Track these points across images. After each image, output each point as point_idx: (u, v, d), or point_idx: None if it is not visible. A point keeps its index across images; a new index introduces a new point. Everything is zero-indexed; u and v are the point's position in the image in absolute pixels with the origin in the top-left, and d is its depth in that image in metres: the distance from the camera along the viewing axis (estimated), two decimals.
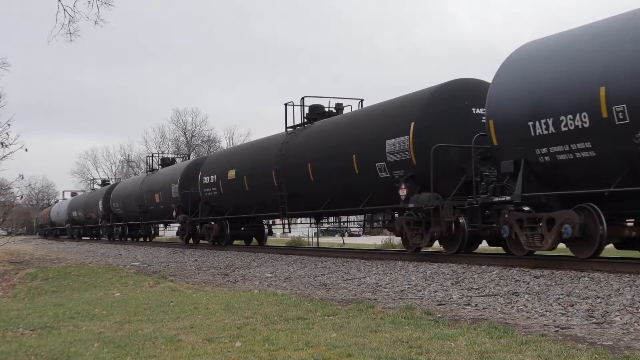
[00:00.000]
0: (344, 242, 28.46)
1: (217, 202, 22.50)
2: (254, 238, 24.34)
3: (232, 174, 20.94)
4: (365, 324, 6.39)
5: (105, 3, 15.62)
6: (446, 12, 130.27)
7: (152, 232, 36.97)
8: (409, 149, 13.01)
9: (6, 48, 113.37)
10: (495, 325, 6.05)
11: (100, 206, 39.32)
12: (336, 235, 46.89)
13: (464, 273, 10.42)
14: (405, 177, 13.15)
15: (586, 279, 8.76)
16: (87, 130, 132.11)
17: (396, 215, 14.28)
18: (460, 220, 12.22)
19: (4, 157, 19.48)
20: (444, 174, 12.28)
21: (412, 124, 12.93)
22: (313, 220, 21.33)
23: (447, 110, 12.75)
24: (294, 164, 17.20)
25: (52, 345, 6.01)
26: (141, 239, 36.57)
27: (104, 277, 13.66)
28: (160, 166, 32.47)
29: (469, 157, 11.88)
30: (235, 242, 23.66)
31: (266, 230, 24.27)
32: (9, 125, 18.90)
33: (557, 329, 5.99)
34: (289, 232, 27.47)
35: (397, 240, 26.18)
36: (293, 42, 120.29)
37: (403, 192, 13.07)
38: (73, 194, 62.21)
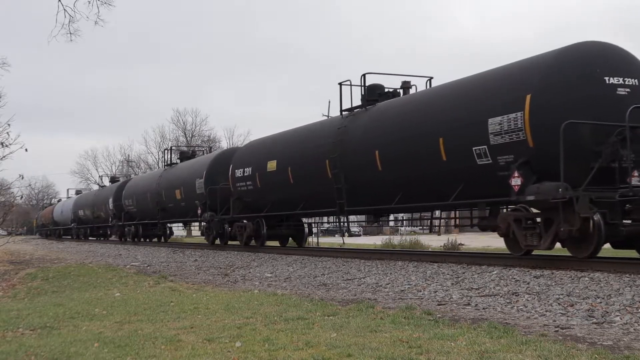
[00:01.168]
0: (344, 242, 28.46)
1: (251, 197, 19.99)
2: (290, 239, 21.82)
3: (272, 165, 18.41)
4: (365, 324, 6.39)
5: (105, 3, 15.64)
6: (446, 12, 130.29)
7: (168, 231, 34.43)
8: (523, 128, 10.60)
9: (6, 48, 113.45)
10: (495, 325, 6.05)
11: (111, 204, 36.47)
12: (336, 235, 46.90)
13: (464, 273, 10.42)
14: (518, 164, 10.73)
15: (586, 279, 8.76)
16: (87, 130, 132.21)
17: (502, 210, 12.03)
18: (595, 218, 9.93)
19: (4, 157, 19.46)
20: (573, 158, 10.00)
21: (528, 97, 10.57)
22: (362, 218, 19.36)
23: (573, 80, 10.39)
24: (356, 152, 14.73)
25: (52, 345, 6.01)
26: (155, 240, 34.31)
27: (104, 277, 13.66)
28: (179, 160, 29.70)
29: (605, 138, 9.97)
30: (264, 243, 20.51)
31: (306, 230, 21.51)
32: (9, 125, 18.87)
33: (557, 329, 5.99)
34: (347, 232, 23.06)
35: (396, 240, 26.01)
36: (293, 42, 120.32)
37: (516, 181, 10.70)
38: (78, 192, 60.02)
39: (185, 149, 34.66)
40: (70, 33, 16.09)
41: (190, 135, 70.23)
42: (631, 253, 11.34)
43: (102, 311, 8.32)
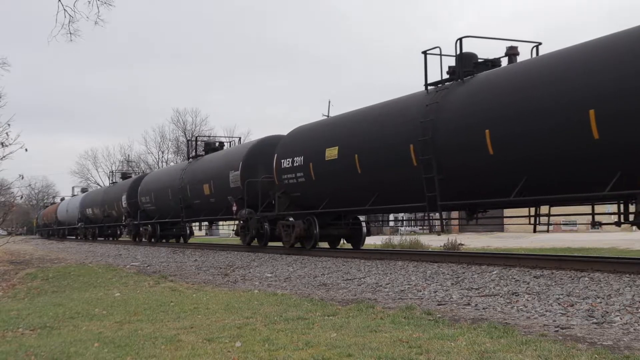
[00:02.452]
0: (344, 242, 28.38)
1: (302, 191, 17.21)
2: (342, 240, 19.22)
3: (332, 152, 15.62)
4: (365, 324, 6.39)
5: (105, 3, 15.66)
6: (447, 12, 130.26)
7: (188, 231, 31.67)
8: None
9: (6, 48, 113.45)
10: (495, 325, 6.05)
11: (124, 202, 33.56)
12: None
13: (464, 273, 10.42)
14: None
15: (586, 279, 8.77)
16: (87, 130, 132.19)
17: None
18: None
19: (4, 157, 19.43)
20: None
21: None
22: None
23: None
24: (454, 132, 12.07)
25: (52, 345, 6.01)
26: (173, 240, 31.69)
27: (104, 277, 13.66)
28: (203, 152, 26.27)
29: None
30: (316, 244, 17.83)
31: (364, 229, 18.36)
32: (9, 125, 18.85)
33: (557, 329, 5.99)
34: (442, 229, 19.61)
35: (396, 240, 25.98)
36: (293, 42, 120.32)
37: None
38: (84, 189, 57.68)
39: (207, 139, 30.52)
40: (70, 33, 16.13)
41: (190, 135, 70.25)
42: (632, 253, 11.34)
43: (102, 311, 8.32)
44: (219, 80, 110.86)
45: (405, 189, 13.51)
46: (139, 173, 69.46)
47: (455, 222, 34.51)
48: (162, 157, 73.82)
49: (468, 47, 13.60)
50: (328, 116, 18.77)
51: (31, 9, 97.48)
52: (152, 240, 30.62)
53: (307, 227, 17.28)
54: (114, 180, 42.16)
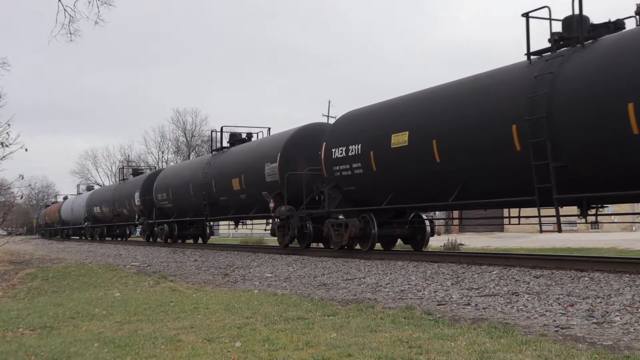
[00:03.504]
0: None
1: (359, 185, 15.01)
2: (398, 240, 17.14)
3: (400, 138, 13.38)
4: (365, 324, 6.39)
5: (105, 3, 15.68)
6: (448, 13, 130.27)
7: (208, 230, 29.38)
8: None
9: (6, 48, 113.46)
10: (495, 325, 6.05)
11: (137, 199, 31.24)
12: None
13: (464, 273, 10.42)
14: None
15: (586, 279, 8.77)
16: (88, 130, 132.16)
17: None
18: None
19: (4, 157, 19.45)
20: None
21: None
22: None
23: None
24: (578, 108, 9.95)
25: (52, 345, 6.00)
26: (190, 240, 29.63)
27: (104, 277, 13.66)
28: (229, 144, 23.81)
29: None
30: (374, 246, 15.57)
31: (428, 229, 15.85)
32: (9, 125, 18.88)
33: (557, 329, 5.99)
34: (559, 229, 12.98)
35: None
36: (293, 42, 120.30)
37: None
38: (89, 187, 55.70)
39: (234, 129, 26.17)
40: (71, 33, 16.14)
41: (190, 135, 70.32)
42: (632, 253, 11.35)
43: (102, 311, 8.32)
44: (219, 80, 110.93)
45: (503, 179, 11.42)
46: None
47: (456, 222, 34.38)
48: (162, 157, 73.90)
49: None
50: (328, 116, 18.79)
51: (31, 9, 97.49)
52: (169, 240, 28.24)
53: (364, 225, 15.07)
54: (123, 177, 38.98)
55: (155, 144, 74.01)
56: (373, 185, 14.55)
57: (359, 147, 14.76)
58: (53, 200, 72.49)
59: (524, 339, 5.36)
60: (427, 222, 15.75)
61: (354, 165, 14.93)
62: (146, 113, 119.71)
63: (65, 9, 15.93)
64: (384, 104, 15.09)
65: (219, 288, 10.85)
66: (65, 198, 59.43)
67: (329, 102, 21.13)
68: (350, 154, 15.07)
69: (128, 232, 40.34)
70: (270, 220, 19.43)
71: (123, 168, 42.30)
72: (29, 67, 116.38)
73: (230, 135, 23.79)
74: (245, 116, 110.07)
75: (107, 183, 51.97)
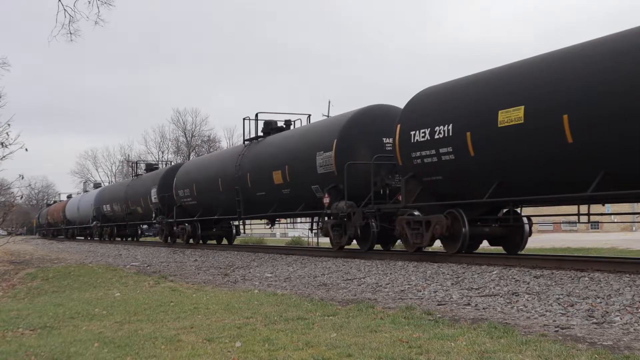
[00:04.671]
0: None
1: (448, 173, 12.34)
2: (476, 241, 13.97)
3: (512, 115, 10.91)
4: (365, 324, 6.39)
5: (105, 3, 15.69)
6: (449, 14, 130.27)
7: (235, 230, 26.23)
8: None
9: (6, 48, 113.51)
10: (495, 325, 6.05)
11: (154, 196, 28.57)
12: None
13: (464, 273, 10.42)
14: None
15: (586, 279, 8.76)
16: (88, 130, 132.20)
17: None
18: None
19: (4, 157, 19.44)
20: None
21: None
22: None
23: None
24: None
25: (52, 345, 6.01)
26: (213, 241, 26.78)
27: (104, 277, 13.66)
28: (263, 133, 20.81)
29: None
30: (463, 248, 12.74)
31: (527, 228, 12.93)
32: (9, 125, 18.87)
33: (557, 329, 5.99)
34: None
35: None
36: (294, 42, 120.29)
37: None
38: (97, 185, 53.35)
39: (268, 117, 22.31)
40: (71, 33, 16.15)
41: (190, 135, 70.35)
42: (633, 253, 11.35)
43: (102, 311, 8.32)
44: (219, 80, 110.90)
45: None
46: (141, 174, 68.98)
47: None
48: (162, 157, 73.82)
49: None
50: (328, 116, 18.45)
51: (31, 9, 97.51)
52: (191, 241, 25.56)
53: (452, 222, 12.56)
54: (136, 173, 36.09)
55: (155, 144, 73.99)
56: (469, 174, 12.00)
57: (449, 128, 12.12)
58: (55, 199, 71.22)
59: (524, 339, 5.37)
60: (525, 220, 12.89)
61: (442, 150, 12.31)
62: (146, 113, 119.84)
63: (65, 9, 15.95)
64: (482, 76, 12.36)
65: (219, 288, 10.85)
66: (70, 196, 57.62)
67: (329, 102, 20.97)
68: (436, 136, 12.40)
69: (139, 232, 38.35)
70: (319, 219, 17.22)
71: (137, 163, 39.63)
72: (29, 67, 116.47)
73: (264, 123, 20.93)
74: (246, 116, 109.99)
75: (107, 183, 50.97)
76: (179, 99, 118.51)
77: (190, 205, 25.15)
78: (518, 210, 13.02)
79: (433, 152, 12.56)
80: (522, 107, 10.78)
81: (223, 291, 10.22)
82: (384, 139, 15.06)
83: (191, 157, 68.10)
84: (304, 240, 34.48)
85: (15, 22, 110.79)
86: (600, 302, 7.15)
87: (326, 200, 15.78)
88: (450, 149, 12.14)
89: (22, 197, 35.57)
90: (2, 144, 18.35)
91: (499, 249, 14.09)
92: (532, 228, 13.29)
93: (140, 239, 39.10)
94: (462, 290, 8.87)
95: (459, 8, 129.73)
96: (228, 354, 5.30)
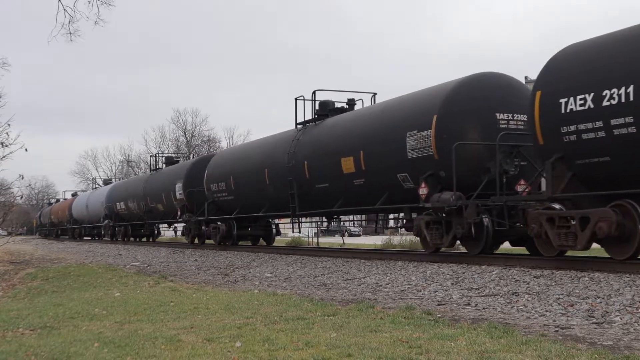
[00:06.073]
0: (344, 242, 28.16)
1: (618, 153, 9.44)
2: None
3: None
4: (365, 324, 6.39)
5: (105, 3, 15.67)
6: (450, 15, 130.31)
7: (275, 230, 23.94)
8: None
9: (6, 48, 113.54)
10: (495, 325, 6.05)
11: (179, 191, 25.67)
12: (336, 235, 46.77)
13: (464, 273, 10.42)
14: None
15: (586, 279, 8.76)
16: (88, 130, 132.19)
17: None
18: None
19: (4, 157, 19.42)
20: None
21: None
22: None
23: None
24: None
25: (52, 345, 6.01)
26: (247, 242, 23.78)
27: (104, 277, 13.66)
28: (317, 116, 18.03)
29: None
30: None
31: None
32: (9, 125, 18.85)
33: (557, 329, 5.99)
34: None
35: (396, 240, 25.95)
36: (294, 42, 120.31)
37: None
38: (107, 181, 49.44)
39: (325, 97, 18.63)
40: (70, 33, 16.13)
41: (191, 135, 70.32)
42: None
43: (102, 311, 8.32)
44: (219, 80, 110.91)
45: None
46: (138, 173, 69.08)
47: None
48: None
49: None
50: (328, 116, 18.28)
51: (31, 9, 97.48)
52: (225, 242, 22.53)
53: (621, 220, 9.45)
54: (155, 167, 32.50)
55: (155, 144, 73.86)
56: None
57: (629, 90, 9.09)
58: (57, 198, 69.84)
59: (524, 339, 5.37)
60: None
61: (615, 122, 9.29)
62: (146, 113, 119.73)
63: (65, 9, 15.93)
64: None
65: (219, 288, 10.85)
66: (75, 194, 54.93)
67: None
68: (605, 103, 9.43)
69: (156, 231, 35.63)
70: (403, 215, 14.59)
71: (156, 155, 34.14)
72: (29, 67, 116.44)
73: (320, 104, 18.01)
74: (246, 116, 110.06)
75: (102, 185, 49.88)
76: (179, 99, 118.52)
77: (225, 201, 21.96)
78: None
79: (599, 124, 9.51)
80: None
81: (223, 291, 10.22)
82: (498, 114, 12.26)
83: (191, 158, 68.04)
84: (304, 240, 34.43)
85: (15, 22, 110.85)
86: (600, 302, 7.15)
87: (423, 191, 12.79)
88: (630, 119, 9.10)
89: (22, 197, 35.44)
90: (2, 144, 18.34)
91: (499, 249, 14.01)
92: None
93: (157, 239, 36.46)
94: (462, 290, 8.87)
95: (461, 8, 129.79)
96: (228, 354, 5.30)
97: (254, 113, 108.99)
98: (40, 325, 7.37)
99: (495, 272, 10.14)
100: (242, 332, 6.28)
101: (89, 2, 15.73)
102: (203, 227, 23.81)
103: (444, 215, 12.54)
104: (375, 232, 17.75)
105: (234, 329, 6.48)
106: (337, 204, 15.91)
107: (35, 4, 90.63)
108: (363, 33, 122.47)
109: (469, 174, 12.01)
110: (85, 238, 45.86)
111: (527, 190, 11.82)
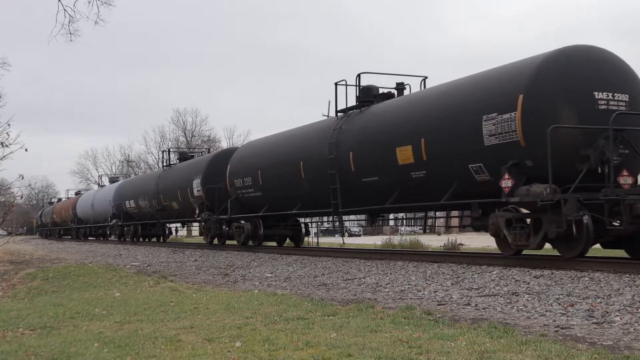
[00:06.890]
0: (344, 242, 28.10)
1: None
2: None
3: None
4: (365, 324, 6.39)
5: (105, 3, 15.65)
6: (450, 16, 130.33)
7: (305, 231, 21.90)
8: None
9: (6, 48, 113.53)
10: (495, 325, 6.05)
11: (197, 188, 23.60)
12: (336, 235, 46.71)
13: (464, 273, 10.42)
14: None
15: (586, 279, 8.77)
16: (88, 130, 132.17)
17: None
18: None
19: (4, 157, 19.41)
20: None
21: None
22: None
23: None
24: None
25: (52, 345, 6.01)
26: (272, 243, 22.19)
27: (104, 277, 13.66)
28: (360, 102, 16.10)
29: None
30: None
31: None
32: (9, 125, 18.83)
33: (557, 329, 5.99)
34: None
35: (396, 240, 25.96)
36: (294, 41, 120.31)
37: None
38: (113, 179, 47.13)
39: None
40: (70, 33, 16.12)
41: (191, 135, 70.27)
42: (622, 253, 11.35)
43: (102, 311, 8.32)
44: (219, 80, 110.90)
45: None
46: (138, 173, 68.97)
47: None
48: (162, 156, 73.66)
49: None
50: (328, 116, 18.23)
51: (31, 9, 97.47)
52: (249, 242, 20.72)
53: None
54: (168, 163, 30.33)
55: (155, 144, 73.75)
56: None
57: None
58: (60, 197, 68.71)
59: (524, 339, 5.37)
60: None
61: None
62: (146, 113, 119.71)
63: (65, 9, 15.91)
64: None
65: (219, 288, 10.85)
66: (79, 193, 53.29)
67: (329, 102, 20.84)
68: None
69: (167, 231, 33.98)
70: (470, 212, 12.58)
71: (169, 150, 32.15)
72: (29, 67, 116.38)
73: (362, 90, 16.15)
74: (246, 116, 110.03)
75: (107, 183, 49.26)
76: (179, 99, 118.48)
77: (251, 197, 20.01)
78: None
79: None
80: None
81: (223, 291, 10.22)
82: (596, 93, 10.55)
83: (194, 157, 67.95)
84: (304, 240, 34.36)
85: (15, 22, 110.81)
86: (600, 302, 7.15)
87: (507, 183, 10.86)
88: None
89: (22, 197, 35.35)
90: (2, 144, 18.33)
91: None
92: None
93: (168, 240, 34.73)
94: (462, 290, 8.87)
95: (462, 8, 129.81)
96: (228, 354, 5.30)
97: (254, 113, 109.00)
98: (40, 325, 7.37)
99: (495, 272, 10.14)
100: (242, 332, 6.28)
101: (89, 2, 15.72)
102: (224, 227, 22.05)
103: (532, 212, 10.86)
104: (426, 231, 14.80)
105: (234, 329, 6.48)
106: (390, 199, 13.95)
107: (35, 4, 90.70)
108: (362, 32, 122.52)
109: (562, 163, 10.22)
110: (90, 238, 44.33)
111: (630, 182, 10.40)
